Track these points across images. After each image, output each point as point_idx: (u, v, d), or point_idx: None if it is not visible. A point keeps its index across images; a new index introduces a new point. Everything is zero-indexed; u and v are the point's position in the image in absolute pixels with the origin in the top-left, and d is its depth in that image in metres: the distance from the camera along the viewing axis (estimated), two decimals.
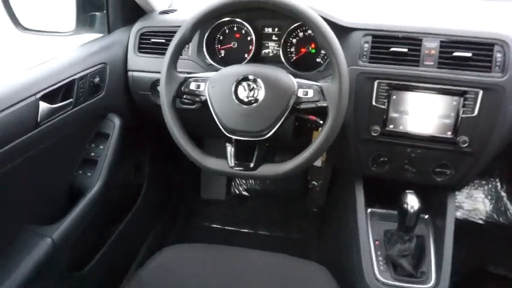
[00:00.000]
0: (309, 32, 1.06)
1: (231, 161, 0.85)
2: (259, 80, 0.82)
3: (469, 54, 0.87)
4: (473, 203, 1.59)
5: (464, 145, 0.90)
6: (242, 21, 1.08)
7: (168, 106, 0.86)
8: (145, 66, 1.10)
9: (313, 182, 1.59)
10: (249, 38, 1.10)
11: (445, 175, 0.97)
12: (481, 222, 1.56)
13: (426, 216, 1.05)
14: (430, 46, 0.90)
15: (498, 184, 1.62)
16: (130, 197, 1.35)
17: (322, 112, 0.82)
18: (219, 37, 1.13)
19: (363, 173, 1.04)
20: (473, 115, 0.88)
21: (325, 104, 0.80)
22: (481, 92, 0.87)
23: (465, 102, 0.88)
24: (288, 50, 1.09)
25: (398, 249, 0.93)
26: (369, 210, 1.06)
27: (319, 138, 0.81)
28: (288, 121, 0.85)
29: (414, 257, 0.94)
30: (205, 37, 1.09)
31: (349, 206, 1.08)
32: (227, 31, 1.12)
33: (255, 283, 0.86)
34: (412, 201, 0.89)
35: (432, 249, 0.98)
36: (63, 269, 0.96)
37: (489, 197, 1.61)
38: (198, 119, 0.92)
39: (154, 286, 0.84)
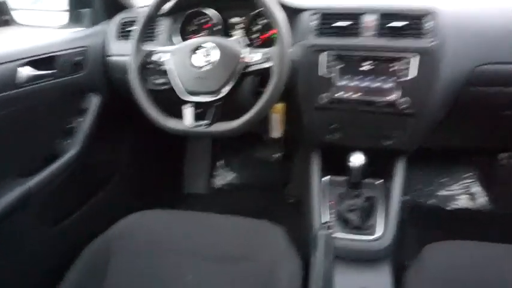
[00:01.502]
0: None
1: (189, 120, 0.95)
2: (212, 47, 0.94)
3: (402, 24, 0.97)
4: (447, 192, 1.68)
5: (406, 106, 0.98)
6: (209, 12, 1.21)
7: (134, 73, 0.98)
8: (122, 51, 1.22)
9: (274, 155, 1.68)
10: (216, 29, 1.22)
11: (393, 138, 1.04)
12: (452, 208, 1.62)
13: (380, 181, 1.12)
14: (369, 19, 1.00)
15: (472, 176, 1.70)
16: (106, 175, 1.44)
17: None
18: (190, 29, 1.26)
19: (318, 142, 1.12)
20: (412, 78, 0.97)
21: (268, 65, 0.91)
22: (417, 57, 0.96)
23: (404, 67, 0.97)
24: (252, 37, 1.21)
25: (347, 205, 0.99)
26: (328, 177, 1.14)
27: (264, 95, 0.90)
28: (244, 83, 0.95)
29: (364, 213, 1.01)
30: (178, 29, 1.22)
31: (308, 176, 1.16)
32: (196, 22, 1.25)
33: (211, 241, 0.93)
34: (356, 159, 0.97)
35: (381, 207, 1.04)
36: (36, 220, 1.05)
37: (463, 188, 1.68)
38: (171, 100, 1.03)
39: (115, 251, 0.91)
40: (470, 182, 1.68)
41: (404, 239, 1.15)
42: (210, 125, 0.94)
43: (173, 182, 1.82)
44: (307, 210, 1.11)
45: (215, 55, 0.93)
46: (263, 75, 0.96)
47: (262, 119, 0.98)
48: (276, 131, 1.15)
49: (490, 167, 1.67)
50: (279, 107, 1.11)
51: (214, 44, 0.94)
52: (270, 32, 1.19)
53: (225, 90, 0.93)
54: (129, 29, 1.22)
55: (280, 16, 0.91)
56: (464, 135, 1.36)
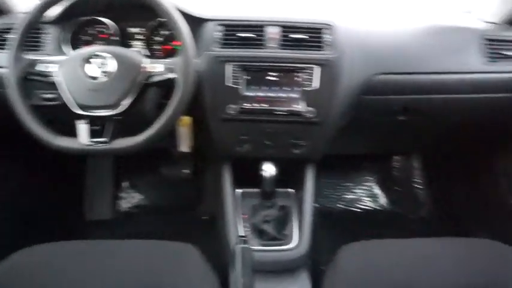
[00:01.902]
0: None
1: (85, 138, 0.85)
2: (108, 56, 0.86)
3: (304, 37, 1.01)
4: (353, 195, 1.79)
5: (312, 115, 1.01)
6: (105, 21, 1.12)
7: (13, 86, 0.85)
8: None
9: (184, 171, 1.61)
10: (113, 39, 1.13)
11: (301, 147, 1.06)
12: (358, 210, 1.73)
13: (292, 191, 1.13)
14: (273, 31, 1.02)
15: (373, 179, 1.84)
16: None
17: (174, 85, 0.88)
18: (83, 38, 1.14)
19: (228, 155, 1.10)
20: (316, 88, 1.00)
21: (172, 76, 0.86)
22: (318, 68, 1.00)
23: (307, 77, 1.00)
24: (153, 48, 1.14)
25: (262, 216, 0.98)
26: (240, 190, 1.12)
27: (169, 107, 0.85)
28: (146, 95, 0.88)
29: (279, 223, 1.00)
30: (69, 38, 1.10)
31: (220, 190, 1.12)
32: (91, 32, 1.14)
33: (118, 272, 0.82)
34: (267, 168, 0.96)
35: (295, 215, 1.05)
36: None
37: (366, 191, 1.81)
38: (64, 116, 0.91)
39: None
40: (372, 185, 1.81)
41: (319, 244, 1.17)
42: (109, 142, 0.85)
43: (72, 209, 1.62)
44: (222, 226, 1.07)
45: (112, 65, 0.85)
46: (167, 86, 0.91)
47: (169, 134, 0.93)
48: (184, 145, 1.09)
49: (387, 170, 1.83)
50: (186, 120, 1.06)
51: (110, 54, 0.86)
52: (173, 43, 1.14)
53: (125, 104, 0.85)
54: (6, 36, 1.06)
55: (184, 27, 0.88)
56: (364, 141, 1.46)
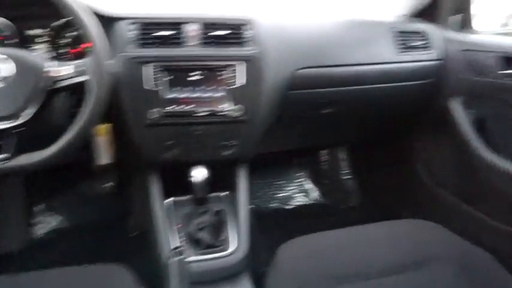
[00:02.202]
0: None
1: None
2: (3, 59, 0.74)
3: (225, 33, 0.97)
4: (285, 193, 1.80)
5: (239, 114, 0.98)
6: None
7: None
8: None
9: (107, 184, 1.49)
10: (9, 42, 0.99)
11: (231, 147, 1.03)
12: (292, 207, 1.74)
13: (225, 193, 1.09)
14: (192, 29, 0.97)
15: (303, 175, 1.87)
16: None
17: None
18: None
19: (155, 162, 1.02)
20: (241, 85, 0.97)
21: (83, 79, 0.77)
22: (242, 64, 0.97)
23: (231, 74, 0.97)
24: (60, 51, 1.03)
25: (196, 224, 0.93)
26: (171, 199, 1.05)
27: (82, 115, 0.76)
28: (54, 103, 0.79)
29: (215, 229, 0.96)
30: None
31: (148, 201, 1.04)
32: None
33: None
34: (198, 173, 0.91)
35: (231, 219, 1.01)
36: None
37: (298, 187, 1.83)
38: None
39: None
40: (303, 180, 1.84)
41: (257, 246, 1.15)
42: (11, 158, 0.73)
43: None
44: (154, 240, 0.99)
45: (8, 70, 0.74)
46: (78, 92, 0.81)
47: (85, 145, 0.83)
48: (104, 156, 0.99)
49: (316, 164, 1.87)
50: (104, 128, 0.97)
51: (5, 56, 0.74)
52: (83, 46, 1.03)
53: (28, 113, 0.74)
54: None
55: (93, 26, 0.80)
56: (293, 137, 1.48)
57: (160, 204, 1.00)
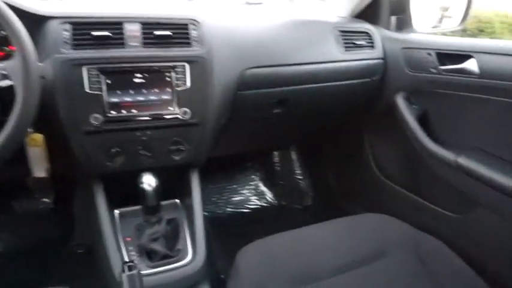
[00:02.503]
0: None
1: None
2: None
3: (169, 33, 0.93)
4: (240, 197, 1.77)
5: (188, 117, 0.94)
6: None
7: None
8: None
9: (44, 200, 1.37)
10: None
11: (182, 152, 0.98)
12: (247, 210, 1.72)
13: (177, 201, 1.04)
14: (132, 28, 0.91)
15: (257, 177, 1.86)
16: None
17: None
18: None
19: (98, 172, 0.95)
20: (187, 87, 0.94)
21: (7, 84, 0.69)
22: (188, 65, 0.93)
23: (177, 76, 0.93)
24: None
25: (148, 235, 0.87)
26: (119, 211, 0.98)
27: (9, 124, 0.68)
28: None
29: (169, 239, 0.91)
30: None
31: (94, 215, 0.97)
32: None
33: None
34: (147, 181, 0.86)
35: (186, 227, 0.96)
36: None
37: (252, 190, 1.82)
38: None
39: None
40: (257, 183, 1.83)
41: (215, 253, 1.11)
42: None
43: None
44: (102, 256, 0.91)
45: None
46: (3, 99, 0.73)
47: (18, 157, 0.75)
48: (39, 169, 0.90)
49: (269, 166, 1.87)
50: (38, 138, 0.88)
51: None
52: (9, 48, 0.94)
53: None
54: None
55: (19, 25, 0.72)
56: (245, 140, 1.46)
57: (107, 217, 0.92)
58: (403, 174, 1.33)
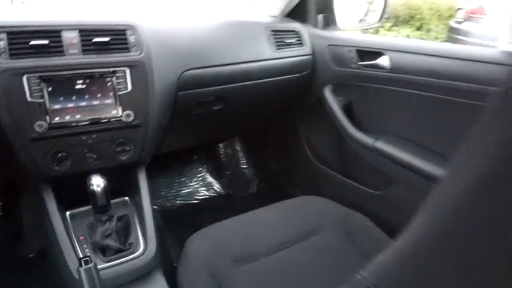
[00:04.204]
0: None
1: None
2: None
3: (107, 40, 0.97)
4: (189, 189, 1.85)
5: (131, 119, 0.99)
6: None
7: None
8: None
9: None
10: None
11: (127, 152, 1.03)
12: (196, 201, 1.80)
13: (127, 198, 1.10)
14: (70, 36, 0.94)
15: (204, 169, 1.94)
16: None
17: None
18: None
19: (46, 177, 0.98)
20: (130, 90, 0.98)
21: None
22: (128, 70, 0.98)
23: (118, 81, 0.97)
24: None
25: (100, 232, 0.92)
26: (69, 212, 1.02)
27: None
28: None
29: (121, 234, 0.97)
30: None
31: (45, 217, 1.00)
32: None
33: None
34: (96, 181, 0.91)
35: (136, 222, 1.03)
36: None
37: (200, 181, 1.90)
38: None
39: None
40: (204, 175, 1.91)
41: (166, 245, 1.18)
42: None
43: None
44: (56, 256, 0.95)
45: None
46: None
47: None
48: None
49: (215, 157, 1.95)
50: None
51: None
52: None
53: None
54: None
55: None
56: (191, 135, 1.52)
57: (59, 218, 0.96)
58: (334, 159, 1.48)
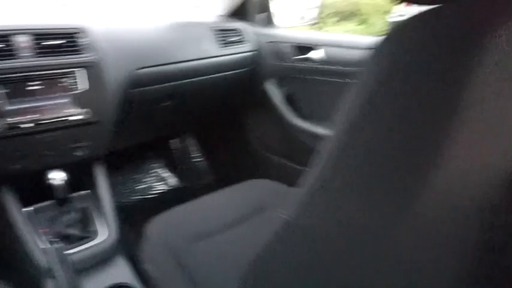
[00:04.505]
0: None
1: None
2: None
3: (59, 42, 1.02)
4: (145, 184, 1.91)
5: (86, 116, 1.05)
6: None
7: None
8: None
9: None
10: None
11: (83, 148, 1.09)
12: (153, 195, 1.88)
13: (88, 192, 1.16)
14: (23, 40, 0.98)
15: (159, 164, 2.00)
16: None
17: None
18: None
19: (5, 175, 1.02)
20: (85, 90, 1.04)
21: None
22: (83, 70, 1.04)
23: (72, 81, 1.03)
24: None
25: (61, 223, 0.98)
26: (31, 207, 1.06)
27: None
28: None
29: (82, 224, 1.03)
30: None
31: (4, 214, 1.04)
32: None
33: None
34: (55, 176, 0.96)
35: (97, 213, 1.10)
36: None
37: (155, 176, 1.96)
38: None
39: None
40: (160, 170, 1.98)
41: (127, 239, 1.24)
42: None
43: None
44: (20, 252, 0.99)
45: None
46: None
47: None
48: None
49: (169, 153, 2.02)
50: None
51: None
52: None
53: None
54: None
55: None
56: (144, 131, 1.59)
57: (20, 214, 1.01)
58: (278, 146, 1.62)
